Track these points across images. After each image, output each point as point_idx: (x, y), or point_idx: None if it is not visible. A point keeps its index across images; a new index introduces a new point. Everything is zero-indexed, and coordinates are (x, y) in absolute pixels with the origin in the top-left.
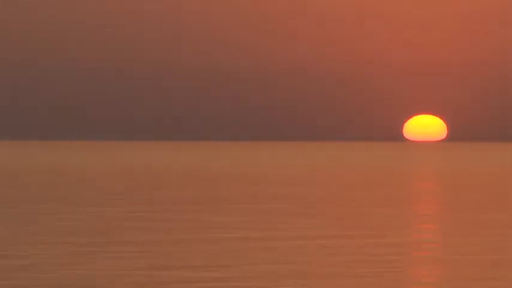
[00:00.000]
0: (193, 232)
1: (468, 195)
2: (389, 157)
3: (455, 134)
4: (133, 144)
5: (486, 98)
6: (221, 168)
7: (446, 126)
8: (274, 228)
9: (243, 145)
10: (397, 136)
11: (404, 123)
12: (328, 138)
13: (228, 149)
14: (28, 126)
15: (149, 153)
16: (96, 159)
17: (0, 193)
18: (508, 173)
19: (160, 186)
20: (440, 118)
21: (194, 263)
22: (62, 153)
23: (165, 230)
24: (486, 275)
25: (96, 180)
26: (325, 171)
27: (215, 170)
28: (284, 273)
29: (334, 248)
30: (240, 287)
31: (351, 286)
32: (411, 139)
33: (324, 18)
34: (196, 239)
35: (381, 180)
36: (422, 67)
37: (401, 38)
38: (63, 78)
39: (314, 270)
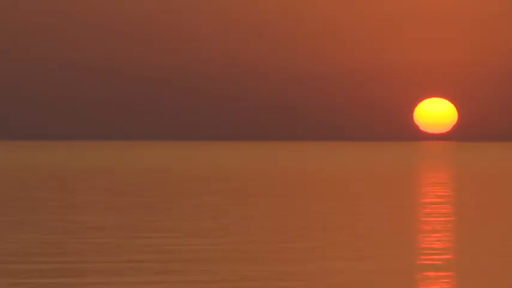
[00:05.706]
0: None
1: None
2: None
3: (466, 118)
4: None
5: (495, 85)
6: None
7: (457, 110)
8: None
9: (253, 145)
10: (408, 123)
11: (414, 108)
12: (329, 138)
13: (230, 149)
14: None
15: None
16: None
17: None
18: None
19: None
20: (450, 101)
21: None
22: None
23: None
24: None
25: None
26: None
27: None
28: None
29: None
30: None
31: None
32: (422, 127)
33: (324, 18)
34: None
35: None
36: (428, 60)
37: (402, 37)
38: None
39: None
